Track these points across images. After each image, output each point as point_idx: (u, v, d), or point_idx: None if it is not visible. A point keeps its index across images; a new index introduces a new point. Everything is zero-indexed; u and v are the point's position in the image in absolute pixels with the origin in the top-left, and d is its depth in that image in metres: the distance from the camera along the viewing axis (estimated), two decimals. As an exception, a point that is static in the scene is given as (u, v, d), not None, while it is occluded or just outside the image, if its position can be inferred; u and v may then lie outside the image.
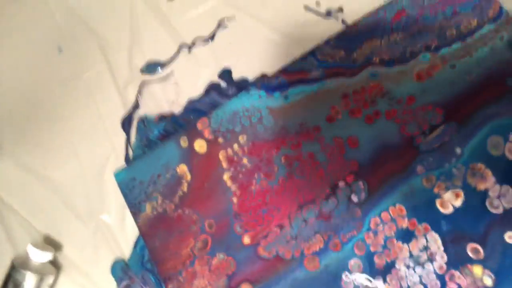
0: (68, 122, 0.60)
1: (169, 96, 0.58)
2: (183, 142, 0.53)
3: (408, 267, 0.46)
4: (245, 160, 0.52)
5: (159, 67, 0.59)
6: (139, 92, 0.59)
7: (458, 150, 0.48)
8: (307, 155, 0.51)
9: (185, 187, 0.52)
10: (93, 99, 0.60)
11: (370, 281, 0.47)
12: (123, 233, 0.54)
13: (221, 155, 0.52)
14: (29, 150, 0.60)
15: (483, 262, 0.45)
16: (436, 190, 0.48)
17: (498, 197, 0.46)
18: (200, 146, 0.53)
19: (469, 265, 0.45)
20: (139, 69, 0.59)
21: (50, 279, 0.53)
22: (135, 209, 0.52)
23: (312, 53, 0.54)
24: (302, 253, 0.48)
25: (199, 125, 0.54)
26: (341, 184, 0.49)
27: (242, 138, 0.52)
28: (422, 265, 0.46)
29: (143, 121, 0.57)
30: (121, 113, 0.58)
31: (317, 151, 0.51)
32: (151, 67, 0.59)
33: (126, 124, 0.58)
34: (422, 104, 0.50)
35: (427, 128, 0.49)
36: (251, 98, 0.54)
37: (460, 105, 0.49)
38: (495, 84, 0.49)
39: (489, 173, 0.47)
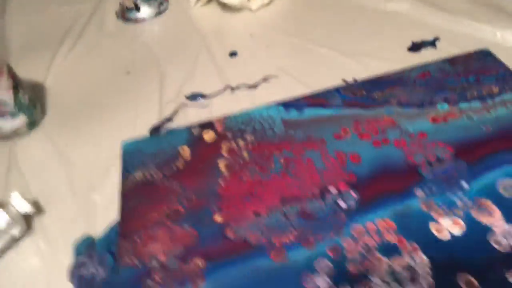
0: (107, 120, 0.66)
1: (200, 120, 0.63)
2: (195, 131, 0.56)
3: (383, 281, 0.38)
4: (245, 154, 0.52)
5: (201, 97, 0.66)
6: (176, 110, 0.65)
7: (464, 184, 0.44)
8: (307, 160, 0.50)
9: (181, 165, 0.52)
10: (136, 107, 0.67)
11: (336, 286, 0.39)
12: (105, 215, 0.53)
13: (224, 145, 0.53)
14: (63, 131, 0.66)
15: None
16: (433, 214, 0.42)
17: (504, 235, 0.40)
18: (209, 136, 0.55)
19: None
20: (184, 95, 0.67)
21: (16, 231, 0.52)
22: (127, 173, 0.52)
23: (337, 89, 0.58)
24: (271, 243, 0.43)
25: (215, 121, 0.57)
26: (332, 189, 0.46)
27: (249, 137, 0.54)
28: (400, 283, 0.38)
29: (171, 131, 0.61)
30: (155, 122, 0.64)
31: (317, 159, 0.50)
32: (194, 96, 0.67)
33: (154, 131, 0.62)
34: (433, 140, 0.49)
35: (434, 160, 0.47)
36: (270, 110, 0.57)
37: (471, 147, 0.48)
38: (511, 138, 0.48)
39: (496, 210, 0.42)
